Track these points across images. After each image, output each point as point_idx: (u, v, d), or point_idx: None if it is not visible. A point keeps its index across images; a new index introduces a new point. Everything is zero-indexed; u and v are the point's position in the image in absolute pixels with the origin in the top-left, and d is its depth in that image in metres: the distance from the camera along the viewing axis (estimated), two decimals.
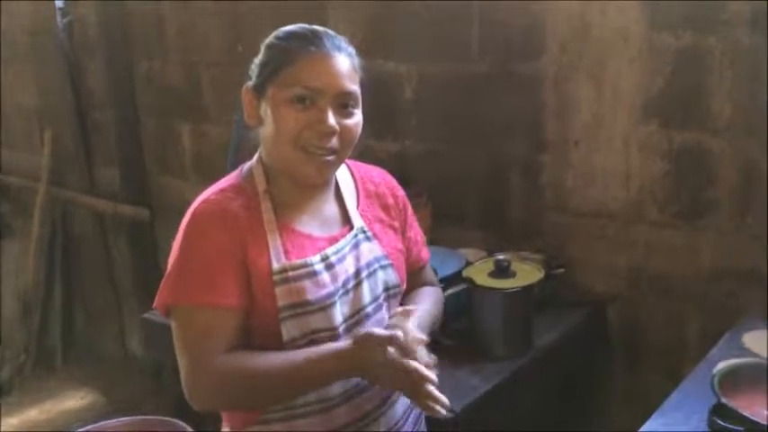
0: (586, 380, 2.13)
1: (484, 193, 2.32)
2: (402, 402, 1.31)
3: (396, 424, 1.28)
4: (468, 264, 1.93)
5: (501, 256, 1.79)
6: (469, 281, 1.75)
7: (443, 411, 1.13)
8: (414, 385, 1.12)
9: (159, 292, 1.17)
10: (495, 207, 2.29)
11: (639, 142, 1.96)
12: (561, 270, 2.04)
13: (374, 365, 1.13)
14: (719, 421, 1.16)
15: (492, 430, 1.65)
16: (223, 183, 1.24)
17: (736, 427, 1.14)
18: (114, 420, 1.28)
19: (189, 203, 1.22)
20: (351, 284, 1.22)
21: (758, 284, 1.77)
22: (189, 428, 1.22)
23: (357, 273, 1.23)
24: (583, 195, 2.10)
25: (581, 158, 2.08)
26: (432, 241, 1.87)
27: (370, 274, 1.24)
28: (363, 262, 1.24)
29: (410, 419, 1.34)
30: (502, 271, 1.78)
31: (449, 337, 1.73)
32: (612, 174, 2.03)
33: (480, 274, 1.78)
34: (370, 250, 1.26)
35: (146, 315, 2.17)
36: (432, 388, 1.12)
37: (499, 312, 1.73)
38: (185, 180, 3.28)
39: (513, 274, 1.79)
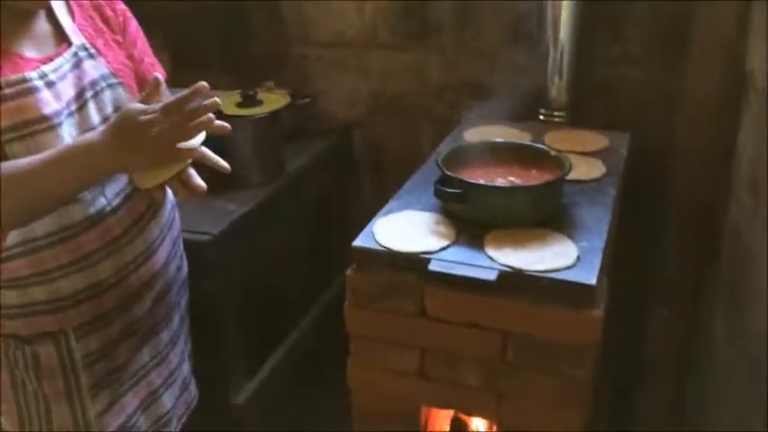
0: (339, 198, 2.29)
1: (225, 33, 2.29)
2: (157, 225, 1.32)
3: (152, 244, 1.30)
4: None
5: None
6: (217, 111, 1.76)
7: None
8: (178, 157, 1.07)
9: None
10: (238, 46, 2.28)
11: None
12: (307, 100, 2.12)
13: (136, 145, 1.04)
14: (443, 188, 1.34)
15: (250, 250, 1.74)
16: None
17: (455, 190, 1.33)
18: None
19: None
20: (74, 106, 1.16)
21: (476, 93, 1.99)
22: None
23: (81, 92, 1.17)
24: (323, 26, 2.17)
25: None
26: (175, 87, 1.83)
27: (96, 94, 1.19)
28: (87, 81, 1.18)
29: (167, 241, 1.36)
30: (248, 100, 1.82)
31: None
32: (347, 1, 2.10)
33: (228, 105, 1.80)
34: (94, 68, 1.20)
35: None
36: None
37: (250, 139, 1.78)
38: None
39: (260, 103, 1.84)
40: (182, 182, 1.13)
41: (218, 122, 1.08)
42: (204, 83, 1.11)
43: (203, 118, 1.04)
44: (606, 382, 1.95)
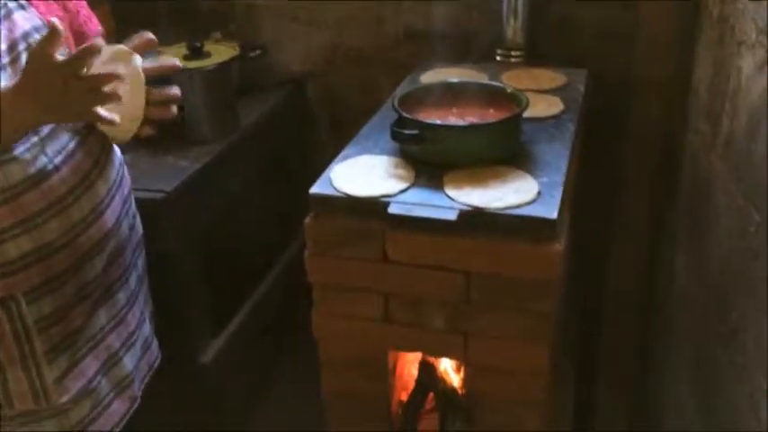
0: (298, 151, 2.24)
1: None
2: (105, 183, 1.27)
3: (100, 203, 1.25)
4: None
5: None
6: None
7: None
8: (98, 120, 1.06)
9: None
10: None
11: None
12: (258, 52, 2.06)
13: (45, 91, 1.01)
14: (400, 130, 1.31)
15: (207, 207, 1.70)
16: None
17: (412, 131, 1.30)
18: None
19: None
20: (6, 59, 1.10)
21: (433, 38, 1.95)
22: None
23: (13, 45, 1.11)
24: None
25: None
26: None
27: (29, 46, 1.13)
28: (19, 33, 1.12)
29: (116, 200, 1.31)
30: (195, 53, 1.76)
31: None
32: None
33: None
34: (26, 19, 1.14)
35: None
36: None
37: (199, 93, 1.72)
38: None
39: (208, 55, 1.78)
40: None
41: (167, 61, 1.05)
42: (150, 35, 1.07)
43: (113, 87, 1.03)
44: (573, 318, 1.96)
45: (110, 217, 1.27)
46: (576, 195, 1.62)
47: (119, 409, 1.35)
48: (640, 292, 1.73)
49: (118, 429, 1.35)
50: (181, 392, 1.95)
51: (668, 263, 1.79)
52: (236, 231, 2.03)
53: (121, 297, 1.35)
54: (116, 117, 1.07)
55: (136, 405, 1.39)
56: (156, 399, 1.51)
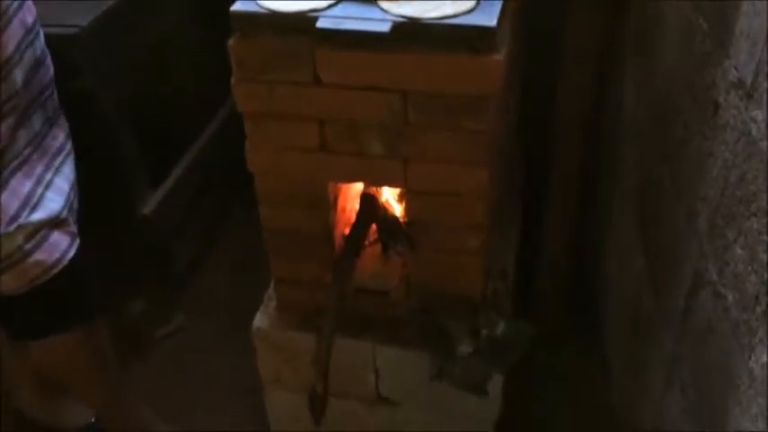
0: None
1: None
2: None
3: None
4: None
5: None
6: None
7: None
8: None
9: None
10: None
11: None
12: None
13: None
14: None
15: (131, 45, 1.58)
16: None
17: None
18: None
19: None
20: None
21: None
22: None
23: None
24: None
25: None
26: None
27: None
28: None
29: (14, 24, 1.19)
30: None
31: None
32: None
33: None
34: None
35: None
36: None
37: None
38: None
39: None
40: None
41: None
42: None
43: None
44: (520, 152, 1.94)
45: (7, 43, 1.16)
46: (521, 17, 1.54)
47: (59, 240, 1.30)
48: (589, 121, 1.69)
49: (65, 261, 1.31)
50: (123, 245, 1.91)
51: (616, 91, 1.75)
52: (168, 74, 1.92)
53: (37, 120, 1.27)
54: None
55: (77, 242, 1.34)
56: (99, 253, 1.46)
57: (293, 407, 1.52)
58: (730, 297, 1.05)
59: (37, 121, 1.30)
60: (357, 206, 1.45)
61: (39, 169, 1.29)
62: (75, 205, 1.39)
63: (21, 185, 1.24)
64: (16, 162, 1.25)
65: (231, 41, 1.23)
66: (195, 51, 2.06)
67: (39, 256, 1.26)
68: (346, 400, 1.54)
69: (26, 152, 1.27)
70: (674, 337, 1.33)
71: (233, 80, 1.27)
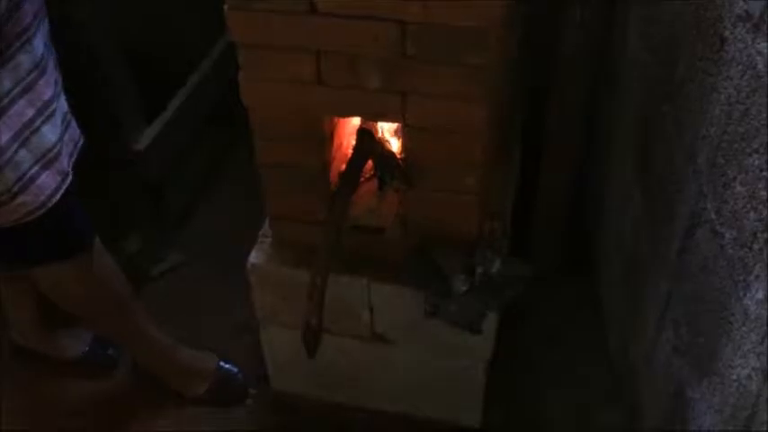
0: None
1: None
2: None
3: None
4: None
5: None
6: None
7: None
8: None
9: None
10: None
11: None
12: None
13: None
14: None
15: None
16: None
17: None
18: None
19: None
20: None
21: None
22: None
23: None
24: None
25: None
26: None
27: None
28: None
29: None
30: None
31: None
32: None
33: None
34: None
35: None
36: None
37: None
38: None
39: None
40: None
41: None
42: None
43: None
44: (521, 95, 1.91)
45: None
46: None
47: (48, 182, 1.29)
48: (591, 62, 1.66)
49: (51, 203, 1.29)
50: (118, 182, 1.90)
51: (621, 30, 1.71)
52: (164, 7, 1.87)
53: (25, 60, 1.23)
54: None
55: (68, 180, 1.33)
56: (93, 189, 1.45)
57: (289, 343, 1.52)
58: (727, 235, 1.04)
59: (39, 44, 1.26)
60: (353, 142, 1.43)
61: (46, 95, 1.27)
62: (68, 137, 1.37)
63: (23, 114, 1.22)
64: (19, 87, 1.22)
65: None
66: None
67: (24, 197, 1.25)
68: (341, 337, 1.55)
69: (30, 77, 1.24)
70: (669, 277, 1.33)
71: (225, 8, 1.23)
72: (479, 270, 1.29)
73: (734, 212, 1.02)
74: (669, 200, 1.32)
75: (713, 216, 1.10)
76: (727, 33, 1.06)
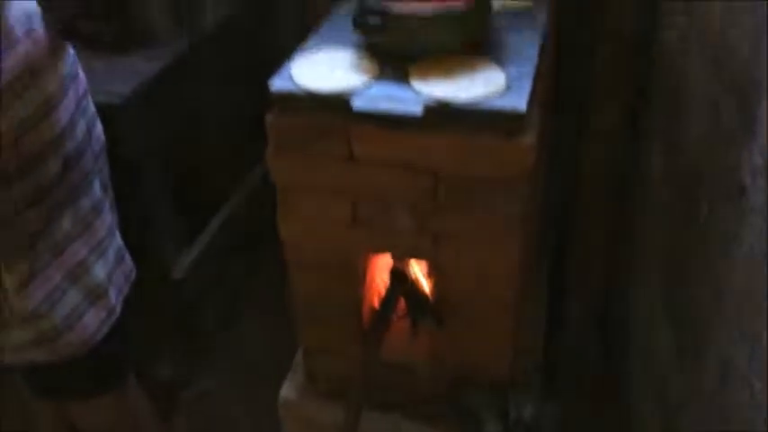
0: (273, 50, 2.15)
1: None
2: (56, 75, 1.20)
3: (51, 98, 1.18)
4: None
5: None
6: None
7: None
8: None
9: None
10: None
11: None
12: None
13: None
14: (361, 19, 1.24)
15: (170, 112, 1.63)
16: None
17: (375, 19, 1.23)
18: None
19: None
20: None
21: None
22: None
23: None
24: None
25: None
26: None
27: None
28: None
29: (69, 97, 1.23)
30: None
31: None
32: None
33: None
34: None
35: None
36: None
37: None
38: None
39: None
40: None
41: None
42: None
43: None
44: (546, 224, 1.94)
45: (62, 115, 1.20)
46: (550, 94, 1.57)
47: (94, 319, 1.31)
48: (614, 191, 1.70)
49: (94, 341, 1.32)
50: (152, 308, 1.93)
51: (645, 159, 1.75)
52: (203, 139, 1.96)
53: (86, 203, 1.30)
54: None
55: (114, 316, 1.36)
56: (130, 318, 1.48)
57: None
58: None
59: (97, 187, 1.33)
60: (386, 279, 1.46)
61: (100, 234, 1.32)
62: (120, 271, 1.41)
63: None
64: (78, 228, 1.28)
65: (269, 117, 1.27)
66: (230, 107, 2.10)
67: (70, 337, 1.28)
68: None
69: (88, 219, 1.29)
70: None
71: (268, 153, 1.30)
72: (512, 415, 1.29)
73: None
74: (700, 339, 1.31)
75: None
76: (747, 182, 1.09)
